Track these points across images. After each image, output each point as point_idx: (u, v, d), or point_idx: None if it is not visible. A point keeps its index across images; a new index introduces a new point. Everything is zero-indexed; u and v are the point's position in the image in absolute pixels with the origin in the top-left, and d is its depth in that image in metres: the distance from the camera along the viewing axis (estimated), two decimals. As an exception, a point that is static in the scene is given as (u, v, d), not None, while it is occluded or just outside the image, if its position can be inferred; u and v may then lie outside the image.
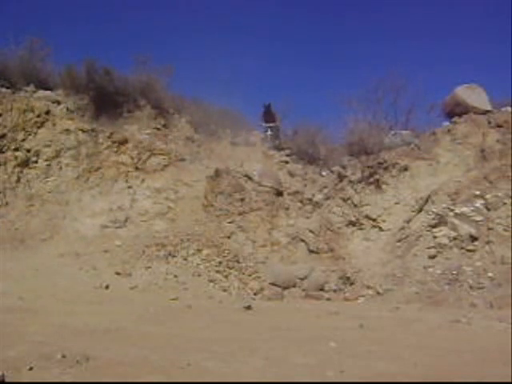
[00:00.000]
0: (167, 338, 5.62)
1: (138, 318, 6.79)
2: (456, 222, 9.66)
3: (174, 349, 5.06)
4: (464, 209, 9.71)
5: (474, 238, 9.39)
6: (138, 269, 9.58)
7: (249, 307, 7.83)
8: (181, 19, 33.82)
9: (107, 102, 13.05)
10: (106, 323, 6.23)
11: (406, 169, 10.88)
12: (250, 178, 11.47)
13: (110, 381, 4.01)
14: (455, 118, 11.46)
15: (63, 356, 4.46)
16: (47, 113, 12.57)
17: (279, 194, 11.39)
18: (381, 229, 10.35)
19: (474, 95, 11.60)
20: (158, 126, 13.36)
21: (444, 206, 9.91)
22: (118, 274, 9.44)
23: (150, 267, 9.65)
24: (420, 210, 10.16)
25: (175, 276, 9.43)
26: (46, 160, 12.14)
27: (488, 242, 9.26)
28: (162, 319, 6.83)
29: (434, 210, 9.96)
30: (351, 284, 9.46)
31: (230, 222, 10.82)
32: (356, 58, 32.52)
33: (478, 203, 9.68)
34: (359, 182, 11.11)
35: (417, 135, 11.81)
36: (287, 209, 11.21)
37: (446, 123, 11.70)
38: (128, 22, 32.58)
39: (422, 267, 9.36)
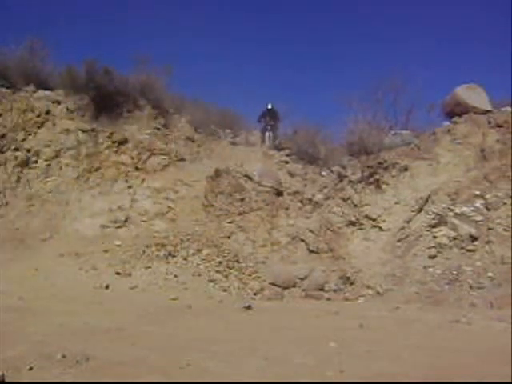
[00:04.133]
0: (167, 338, 5.62)
1: (137, 317, 6.79)
2: (456, 221, 9.66)
3: (174, 349, 5.07)
4: (464, 209, 9.71)
5: (474, 238, 9.39)
6: (137, 269, 9.60)
7: (249, 307, 7.83)
8: (181, 19, 33.87)
9: (107, 102, 13.03)
10: (105, 323, 6.24)
11: (406, 169, 10.87)
12: (250, 178, 11.46)
13: (110, 381, 4.01)
14: (455, 118, 11.45)
15: (63, 356, 4.47)
16: (47, 113, 12.58)
17: (279, 193, 11.39)
18: (381, 229, 10.33)
19: (474, 95, 11.59)
20: (158, 126, 13.35)
21: (444, 206, 9.91)
22: (118, 273, 9.44)
23: (149, 267, 9.66)
24: (420, 210, 10.15)
25: (175, 276, 9.44)
26: (46, 160, 12.15)
27: (488, 242, 9.26)
28: (162, 319, 6.83)
29: (434, 210, 9.95)
30: (351, 284, 9.45)
31: (229, 222, 10.82)
32: (356, 58, 32.59)
33: (478, 203, 9.68)
34: (359, 181, 11.09)
35: (417, 135, 11.80)
36: (287, 209, 11.19)
37: (446, 123, 11.69)
38: (128, 22, 32.62)
39: (422, 267, 9.35)
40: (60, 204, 11.61)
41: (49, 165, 12.12)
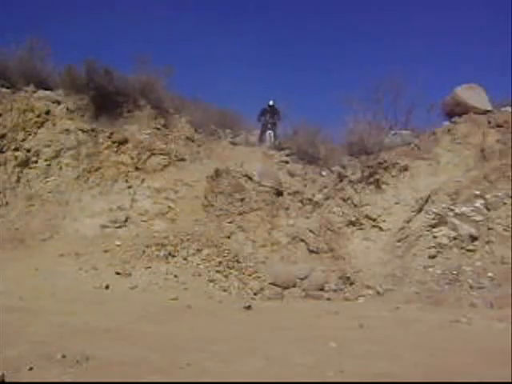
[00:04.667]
0: (167, 338, 5.63)
1: (137, 317, 6.80)
2: (456, 221, 9.65)
3: (174, 349, 5.07)
4: (464, 209, 9.70)
5: (473, 238, 9.39)
6: (137, 269, 9.59)
7: (249, 307, 7.84)
8: (182, 19, 33.91)
9: (107, 102, 13.03)
10: (105, 323, 6.25)
11: (405, 169, 10.85)
12: (250, 178, 11.43)
13: (110, 381, 4.02)
14: (455, 118, 11.43)
15: (63, 356, 4.48)
16: (47, 113, 12.56)
17: (279, 193, 11.36)
18: (381, 229, 10.31)
19: (474, 95, 11.57)
20: (158, 126, 13.34)
21: (444, 205, 9.90)
22: (117, 273, 9.44)
23: (149, 267, 9.66)
24: (420, 210, 10.13)
25: (175, 276, 9.44)
26: (46, 160, 12.14)
27: (488, 242, 9.25)
28: (162, 319, 6.84)
29: (434, 209, 9.93)
30: (351, 284, 9.44)
31: (229, 222, 10.81)
32: (356, 58, 32.62)
33: (478, 203, 9.68)
34: (359, 181, 11.06)
35: (417, 135, 11.79)
36: (287, 209, 11.17)
37: (446, 123, 11.66)
38: (128, 22, 32.65)
39: (422, 267, 9.34)
40: (60, 204, 11.61)
41: (49, 165, 12.12)
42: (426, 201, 10.15)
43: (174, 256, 9.95)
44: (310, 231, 10.59)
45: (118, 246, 10.38)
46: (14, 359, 4.39)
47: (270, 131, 14.39)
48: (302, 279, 9.60)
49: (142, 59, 13.92)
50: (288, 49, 37.17)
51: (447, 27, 33.58)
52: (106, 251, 10.22)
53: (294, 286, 9.51)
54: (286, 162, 12.49)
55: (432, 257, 9.47)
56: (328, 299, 9.21)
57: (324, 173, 11.91)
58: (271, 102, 14.58)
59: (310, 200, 11.25)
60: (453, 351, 5.32)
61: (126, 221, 11.26)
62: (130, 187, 12.08)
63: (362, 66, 29.19)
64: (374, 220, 10.45)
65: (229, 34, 35.67)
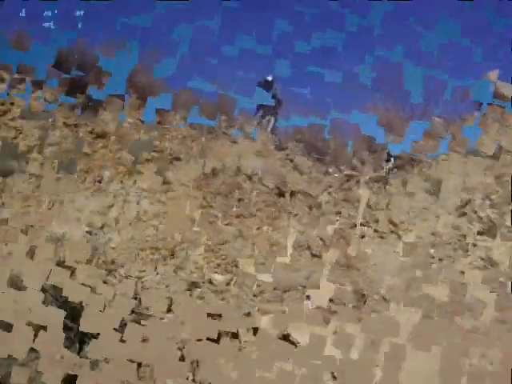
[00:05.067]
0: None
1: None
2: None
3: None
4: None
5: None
6: (132, 272, 9.67)
7: (248, 314, 8.19)
8: (181, 18, 33.93)
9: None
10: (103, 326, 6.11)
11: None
12: (249, 178, 11.30)
13: (111, 381, 4.29)
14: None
15: (62, 357, 4.67)
16: (42, 112, 12.34)
17: (281, 194, 11.13)
18: (398, 236, 9.91)
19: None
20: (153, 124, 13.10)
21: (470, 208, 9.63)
22: (113, 276, 9.25)
23: (144, 271, 9.73)
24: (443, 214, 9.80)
25: (171, 279, 9.26)
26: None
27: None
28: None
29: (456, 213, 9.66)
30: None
31: (227, 224, 10.68)
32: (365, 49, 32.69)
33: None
34: (372, 181, 10.82)
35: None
36: (289, 210, 10.91)
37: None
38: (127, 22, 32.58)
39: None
40: (54, 205, 11.26)
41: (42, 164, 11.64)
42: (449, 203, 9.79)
43: (170, 259, 10.01)
44: (315, 234, 10.34)
45: (112, 248, 10.28)
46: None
47: (269, 116, 13.36)
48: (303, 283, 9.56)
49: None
50: (289, 48, 37.33)
51: (446, 26, 33.76)
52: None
53: (295, 290, 9.48)
54: (291, 160, 12.17)
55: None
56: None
57: (331, 170, 11.53)
58: (270, 78, 12.54)
59: (314, 201, 10.93)
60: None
61: (119, 223, 11.01)
62: (124, 188, 11.74)
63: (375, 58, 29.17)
64: (392, 225, 10.09)
65: (228, 30, 35.74)
